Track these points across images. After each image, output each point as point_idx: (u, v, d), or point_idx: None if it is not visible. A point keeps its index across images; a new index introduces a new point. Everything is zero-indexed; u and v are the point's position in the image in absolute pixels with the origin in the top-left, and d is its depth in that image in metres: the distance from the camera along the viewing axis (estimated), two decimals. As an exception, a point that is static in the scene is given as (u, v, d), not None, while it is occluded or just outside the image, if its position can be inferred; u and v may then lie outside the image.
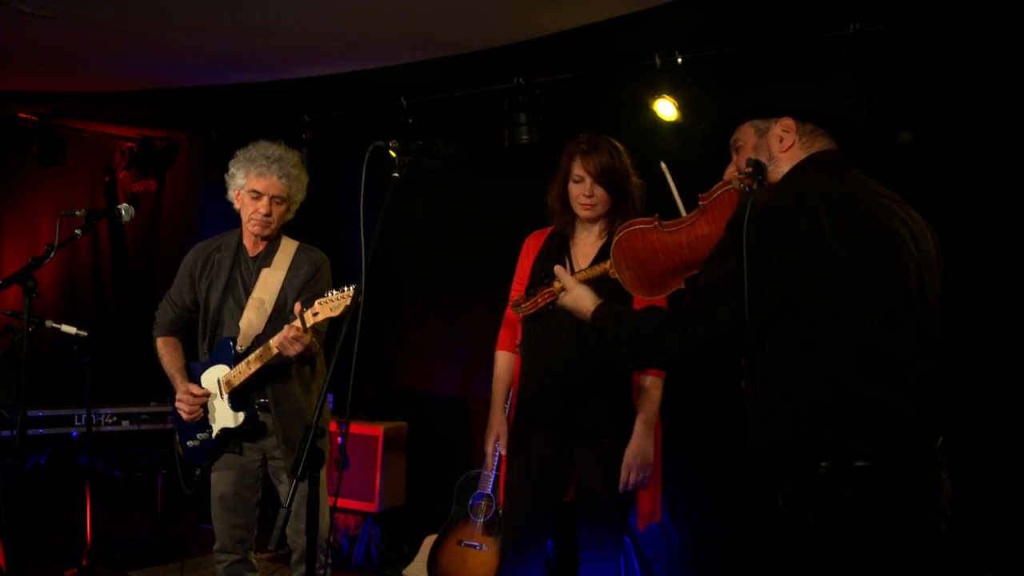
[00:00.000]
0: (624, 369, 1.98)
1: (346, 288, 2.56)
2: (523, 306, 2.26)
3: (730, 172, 1.98)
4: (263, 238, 3.00)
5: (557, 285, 2.16)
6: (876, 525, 1.66)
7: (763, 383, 1.77)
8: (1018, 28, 3.16)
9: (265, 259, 3.01)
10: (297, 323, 2.65)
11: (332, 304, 2.57)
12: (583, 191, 2.77)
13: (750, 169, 1.86)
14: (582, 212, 2.80)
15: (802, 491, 1.72)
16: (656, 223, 2.00)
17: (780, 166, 1.88)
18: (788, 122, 1.88)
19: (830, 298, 1.69)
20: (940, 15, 3.30)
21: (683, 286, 2.00)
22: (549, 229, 2.96)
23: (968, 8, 3.24)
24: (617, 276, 2.05)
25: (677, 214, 2.07)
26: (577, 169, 2.78)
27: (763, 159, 1.89)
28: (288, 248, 3.04)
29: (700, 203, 1.95)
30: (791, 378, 1.74)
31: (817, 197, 1.72)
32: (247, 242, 3.04)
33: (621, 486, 2.71)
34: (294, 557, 3.03)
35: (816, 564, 1.70)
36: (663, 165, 2.10)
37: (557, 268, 2.16)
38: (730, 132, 1.98)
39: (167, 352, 3.11)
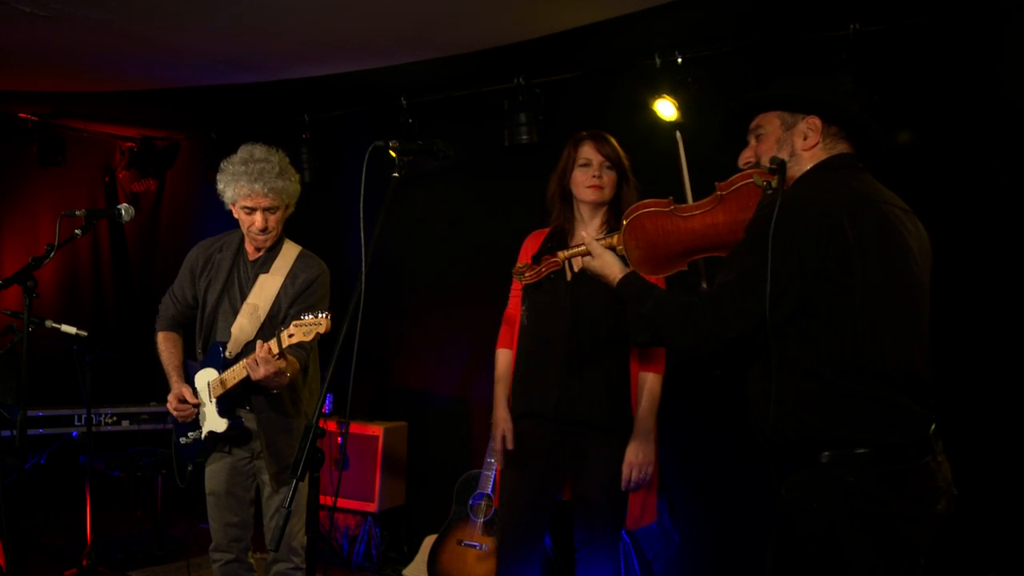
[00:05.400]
0: (637, 345, 2.06)
1: (321, 314, 2.54)
2: (527, 274, 2.34)
3: (746, 156, 2.02)
4: (266, 249, 3.00)
5: (561, 255, 2.26)
6: (879, 507, 1.75)
7: (773, 379, 1.83)
8: (1018, 28, 3.16)
9: (264, 264, 2.99)
10: (271, 343, 2.64)
11: (305, 328, 2.55)
12: (592, 172, 2.78)
13: (773, 167, 1.89)
14: (590, 195, 2.80)
15: (805, 479, 1.82)
16: (671, 207, 2.03)
17: (801, 163, 1.93)
18: (815, 121, 1.92)
19: (846, 306, 1.77)
20: (940, 15, 3.30)
21: (686, 268, 2.06)
22: (547, 229, 2.97)
23: (968, 8, 3.24)
24: (624, 252, 2.10)
25: (682, 185, 2.11)
26: (586, 153, 2.80)
27: (784, 154, 1.93)
28: (289, 254, 3.01)
29: (717, 192, 1.98)
30: (801, 376, 1.81)
31: (842, 205, 1.78)
32: (248, 246, 3.02)
33: (623, 484, 2.72)
34: (270, 557, 3.03)
35: (821, 547, 1.78)
36: (678, 134, 2.12)
37: (582, 234, 2.21)
38: (750, 116, 2.02)
39: (166, 348, 3.12)
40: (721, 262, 1.94)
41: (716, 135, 2.12)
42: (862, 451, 1.76)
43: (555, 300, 2.80)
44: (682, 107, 3.83)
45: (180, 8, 3.58)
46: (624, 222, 2.09)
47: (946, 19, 3.30)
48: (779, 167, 1.88)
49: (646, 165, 3.03)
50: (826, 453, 1.78)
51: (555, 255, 2.28)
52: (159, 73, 4.55)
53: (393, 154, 2.15)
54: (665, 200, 2.05)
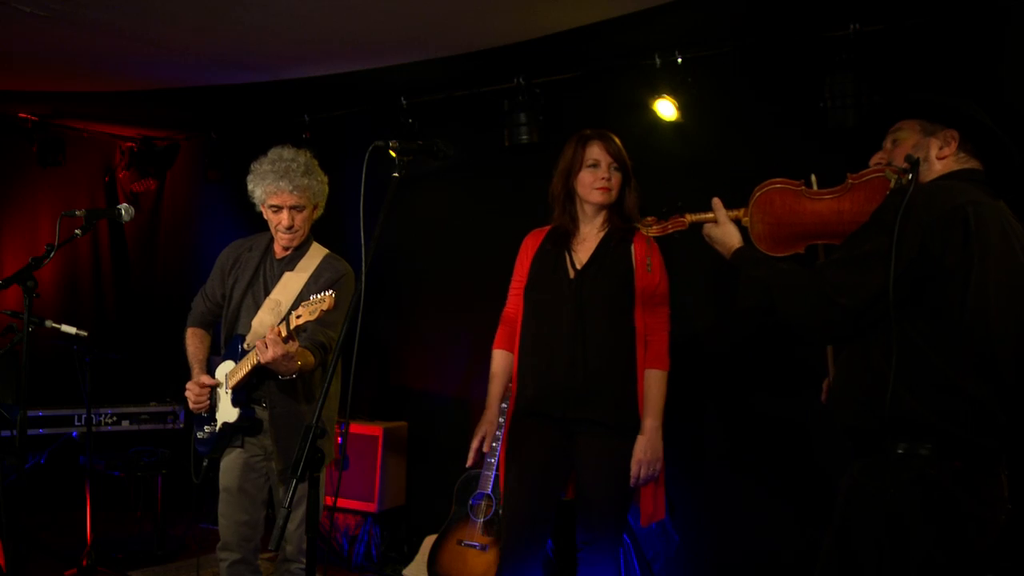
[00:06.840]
0: (742, 306, 2.12)
1: (326, 292, 2.56)
2: (653, 227, 2.37)
3: (879, 156, 2.08)
4: (293, 248, 3.03)
5: (689, 217, 2.29)
6: (952, 503, 1.80)
7: (876, 363, 1.88)
8: (1018, 28, 3.16)
9: (290, 263, 3.03)
10: (280, 326, 2.64)
11: (311, 308, 2.56)
12: (601, 174, 2.78)
13: (907, 165, 1.96)
14: (599, 197, 2.79)
15: (881, 464, 1.87)
16: (802, 187, 2.10)
17: (931, 170, 1.99)
18: (955, 133, 1.99)
19: (959, 297, 1.81)
20: (940, 15, 3.30)
21: (802, 251, 2.11)
22: (548, 228, 2.96)
23: (968, 8, 3.24)
24: (747, 224, 2.15)
25: None
26: (595, 153, 2.79)
27: (918, 156, 1.98)
28: (316, 255, 3.06)
29: (849, 180, 2.05)
30: (903, 358, 1.84)
31: (970, 202, 1.84)
32: (276, 246, 3.07)
33: (632, 480, 2.72)
34: (279, 556, 3.02)
35: (887, 533, 1.81)
36: (813, 177, 2.15)
37: (715, 200, 2.23)
38: (891, 119, 2.08)
39: (192, 343, 3.15)
40: (842, 243, 1.99)
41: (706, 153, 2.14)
42: (943, 445, 1.80)
43: (558, 298, 2.80)
44: (682, 107, 3.84)
45: (180, 8, 3.58)
46: (754, 195, 2.13)
47: (946, 19, 3.30)
48: (913, 165, 1.95)
49: (646, 165, 3.03)
50: (903, 444, 1.83)
51: (683, 215, 2.31)
52: (159, 73, 4.55)
53: (393, 154, 2.15)
54: (796, 181, 2.11)
